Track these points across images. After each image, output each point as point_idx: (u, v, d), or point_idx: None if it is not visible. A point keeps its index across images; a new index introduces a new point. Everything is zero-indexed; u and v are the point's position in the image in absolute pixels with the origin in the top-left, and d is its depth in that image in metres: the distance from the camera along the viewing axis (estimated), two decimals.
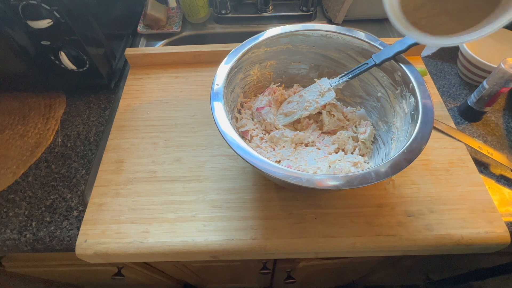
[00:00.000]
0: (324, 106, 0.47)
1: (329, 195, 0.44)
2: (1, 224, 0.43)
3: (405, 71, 0.39)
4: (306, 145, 0.46)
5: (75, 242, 0.40)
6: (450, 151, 0.48)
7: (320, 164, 0.41)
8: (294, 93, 0.50)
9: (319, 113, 0.48)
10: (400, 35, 0.72)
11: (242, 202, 0.43)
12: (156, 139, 0.50)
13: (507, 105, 0.56)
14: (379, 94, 0.45)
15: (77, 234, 0.41)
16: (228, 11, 0.76)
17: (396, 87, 0.41)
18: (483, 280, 0.70)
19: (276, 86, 0.50)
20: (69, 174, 0.49)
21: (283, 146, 0.44)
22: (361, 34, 0.43)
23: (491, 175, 0.47)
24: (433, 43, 0.29)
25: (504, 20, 0.24)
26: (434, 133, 0.49)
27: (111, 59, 0.59)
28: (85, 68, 0.54)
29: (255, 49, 0.44)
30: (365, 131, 0.45)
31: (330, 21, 0.75)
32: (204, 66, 0.61)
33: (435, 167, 0.46)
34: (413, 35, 0.29)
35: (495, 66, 0.50)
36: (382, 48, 0.41)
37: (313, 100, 0.45)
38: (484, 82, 0.49)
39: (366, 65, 0.41)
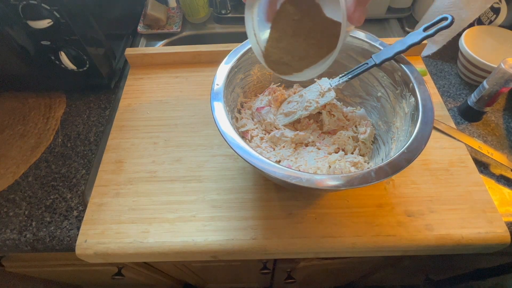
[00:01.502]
0: (324, 106, 0.47)
1: (329, 195, 0.44)
2: (1, 224, 0.43)
3: (405, 71, 0.39)
4: (306, 145, 0.46)
5: (75, 242, 0.40)
6: (450, 151, 0.48)
7: (320, 164, 0.41)
8: (294, 93, 0.50)
9: (319, 113, 0.48)
10: (400, 35, 0.72)
11: (242, 202, 0.43)
12: (156, 139, 0.50)
13: (507, 105, 0.56)
14: (379, 94, 0.45)
15: (77, 234, 0.41)
16: (228, 11, 0.76)
17: (396, 87, 0.41)
18: (483, 280, 0.70)
19: (276, 86, 0.49)
20: (69, 174, 0.49)
21: (283, 146, 0.44)
22: (361, 34, 0.43)
23: (491, 175, 0.47)
24: (289, 79, 0.40)
25: (327, 61, 0.34)
26: (434, 133, 0.49)
27: (111, 59, 0.59)
28: (85, 68, 0.54)
29: None
30: (365, 131, 0.45)
31: None
32: (204, 66, 0.61)
33: (435, 167, 0.46)
34: (276, 73, 0.39)
35: (495, 66, 0.50)
36: (382, 48, 0.41)
37: (313, 100, 0.45)
38: (484, 82, 0.49)
39: (366, 65, 0.41)
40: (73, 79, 0.57)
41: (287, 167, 0.32)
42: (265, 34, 0.38)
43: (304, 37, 0.36)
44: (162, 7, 0.74)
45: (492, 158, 0.47)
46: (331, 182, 0.30)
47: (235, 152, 0.33)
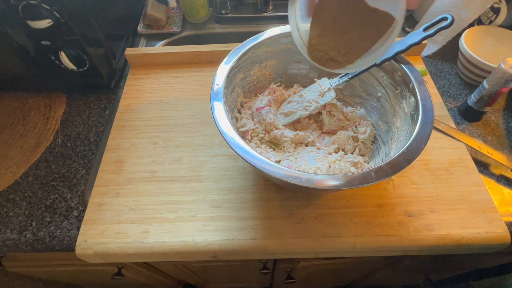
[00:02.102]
0: (324, 106, 0.47)
1: (329, 195, 0.44)
2: (1, 224, 0.43)
3: (405, 71, 0.39)
4: (306, 145, 0.46)
5: (75, 242, 0.40)
6: (450, 151, 0.48)
7: (320, 164, 0.41)
8: (294, 93, 0.50)
9: (319, 113, 0.48)
10: (399, 35, 0.72)
11: (242, 202, 0.43)
12: (156, 139, 0.50)
13: (507, 105, 0.56)
14: (379, 94, 0.45)
15: (77, 234, 0.41)
16: (228, 11, 0.76)
17: (396, 87, 0.41)
18: (483, 280, 0.70)
19: (276, 86, 0.50)
20: (69, 174, 0.49)
21: (283, 146, 0.44)
22: None
23: (491, 175, 0.47)
24: (341, 72, 0.39)
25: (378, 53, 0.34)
26: (434, 133, 0.49)
27: (111, 59, 0.59)
28: (85, 68, 0.54)
29: (255, 49, 0.44)
30: (365, 131, 0.45)
31: None
32: (204, 66, 0.61)
33: (435, 167, 0.46)
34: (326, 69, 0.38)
35: (495, 66, 0.50)
36: None
37: (313, 100, 0.45)
38: (484, 82, 0.49)
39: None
40: (73, 79, 0.57)
41: (287, 167, 0.32)
42: (307, 29, 0.36)
43: (346, 31, 0.34)
44: (162, 7, 0.74)
45: (492, 158, 0.47)
46: (331, 182, 0.30)
47: (235, 152, 0.33)
